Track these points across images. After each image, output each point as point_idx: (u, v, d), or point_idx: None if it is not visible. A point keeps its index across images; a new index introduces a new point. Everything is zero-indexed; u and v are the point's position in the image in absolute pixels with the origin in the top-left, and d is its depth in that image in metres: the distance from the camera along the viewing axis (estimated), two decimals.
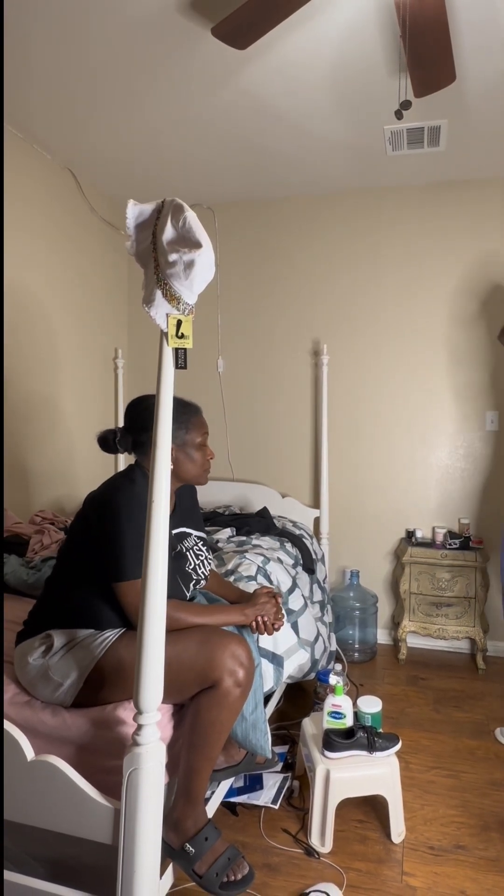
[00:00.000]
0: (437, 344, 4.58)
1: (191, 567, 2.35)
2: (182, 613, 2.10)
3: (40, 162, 4.08)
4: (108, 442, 2.34)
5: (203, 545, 2.50)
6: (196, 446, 2.33)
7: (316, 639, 3.34)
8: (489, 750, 3.21)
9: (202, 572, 2.40)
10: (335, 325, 4.81)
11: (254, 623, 2.34)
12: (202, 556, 2.44)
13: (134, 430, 2.28)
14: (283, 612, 2.50)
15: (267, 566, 3.20)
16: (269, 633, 2.39)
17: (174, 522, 2.37)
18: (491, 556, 4.37)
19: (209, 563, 2.48)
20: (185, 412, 2.31)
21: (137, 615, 1.98)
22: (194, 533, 2.48)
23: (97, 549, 2.06)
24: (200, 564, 2.40)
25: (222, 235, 5.02)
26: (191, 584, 2.33)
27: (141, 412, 2.27)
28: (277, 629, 2.40)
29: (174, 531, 2.35)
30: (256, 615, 2.33)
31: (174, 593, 2.19)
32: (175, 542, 2.33)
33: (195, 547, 2.43)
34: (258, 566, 3.14)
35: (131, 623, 2.07)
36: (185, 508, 2.49)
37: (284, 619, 2.46)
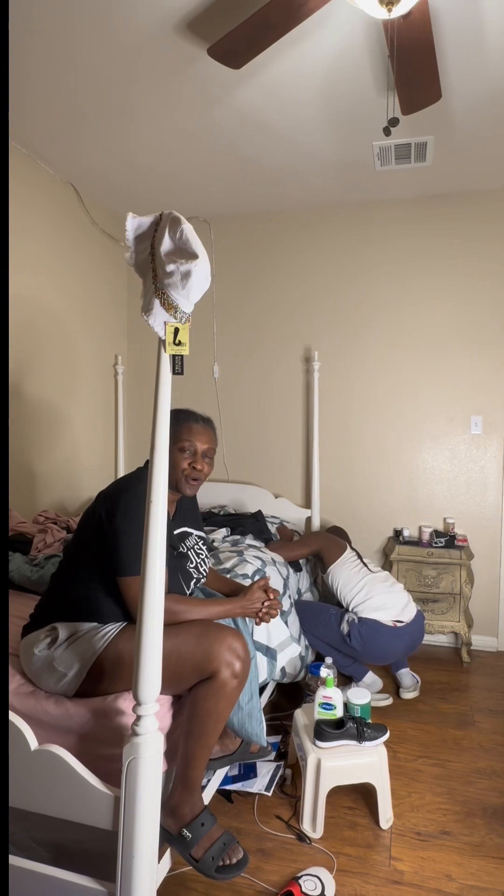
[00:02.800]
0: (423, 350, 4.59)
1: (192, 566, 2.35)
2: (181, 607, 2.11)
3: (44, 177, 4.09)
4: None
5: (203, 544, 2.51)
6: (178, 451, 2.28)
7: (300, 635, 3.37)
8: (473, 740, 3.22)
9: (203, 570, 2.41)
10: (326, 332, 4.82)
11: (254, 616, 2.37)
12: (202, 554, 2.45)
13: None
14: (281, 603, 2.50)
15: (265, 569, 3.21)
16: (266, 622, 2.40)
17: (177, 523, 2.38)
18: (475, 554, 4.40)
19: (208, 562, 2.49)
20: (175, 419, 2.22)
21: (135, 609, 2.00)
22: (195, 533, 2.49)
23: (104, 545, 2.07)
24: (201, 563, 2.41)
25: (218, 247, 5.03)
26: (191, 583, 2.34)
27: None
28: (267, 621, 2.41)
29: (177, 531, 2.36)
30: (252, 607, 2.34)
31: (175, 591, 2.20)
32: (177, 541, 2.34)
33: (196, 546, 2.44)
34: (257, 568, 3.15)
35: (133, 617, 2.07)
36: (187, 509, 2.49)
37: (278, 612, 2.45)
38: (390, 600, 3.44)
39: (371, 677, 3.59)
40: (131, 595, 2.01)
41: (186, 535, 2.42)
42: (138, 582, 1.89)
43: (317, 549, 3.76)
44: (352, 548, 3.84)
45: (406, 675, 3.70)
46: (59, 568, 2.23)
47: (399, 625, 3.38)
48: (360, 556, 3.71)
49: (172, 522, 2.31)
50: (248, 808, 2.66)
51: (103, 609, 2.09)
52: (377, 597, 3.43)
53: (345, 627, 3.39)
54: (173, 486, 2.31)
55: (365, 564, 3.66)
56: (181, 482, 2.32)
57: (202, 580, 2.43)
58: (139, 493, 2.08)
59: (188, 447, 2.30)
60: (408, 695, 3.64)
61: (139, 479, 2.16)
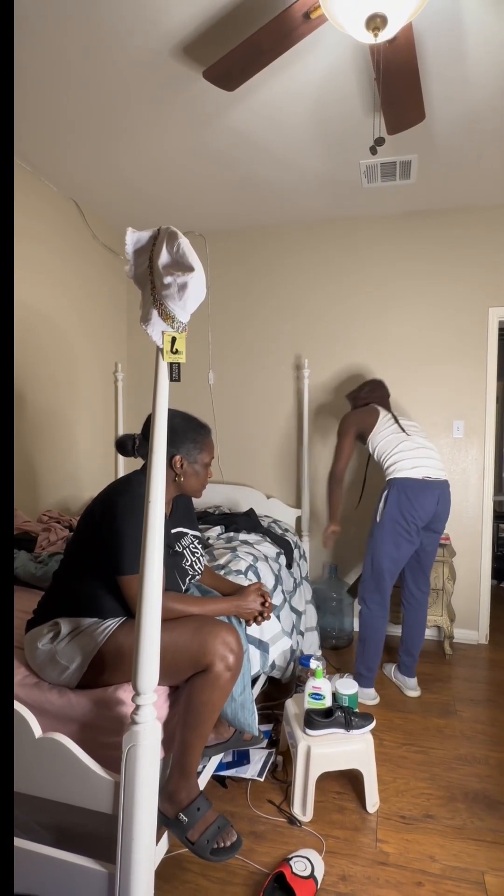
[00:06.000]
0: (408, 357, 4.61)
1: (187, 564, 2.35)
2: (178, 604, 2.11)
3: (47, 193, 4.09)
4: (126, 447, 2.37)
5: (198, 543, 2.52)
6: (203, 465, 2.34)
7: (292, 629, 3.37)
8: (455, 728, 3.23)
9: (198, 568, 2.41)
10: (316, 341, 4.83)
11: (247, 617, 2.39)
12: (197, 553, 2.45)
13: None
14: (272, 604, 2.51)
15: (257, 564, 3.21)
16: (258, 624, 2.42)
17: (173, 523, 2.38)
18: (457, 552, 4.41)
19: (203, 560, 2.49)
20: (202, 433, 2.32)
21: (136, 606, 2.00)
22: (190, 532, 2.49)
23: (103, 545, 2.07)
24: (196, 561, 2.41)
25: (213, 260, 5.04)
26: (187, 579, 2.34)
27: (168, 426, 2.26)
28: (259, 623, 2.43)
29: (173, 531, 2.36)
30: (246, 607, 2.35)
31: (171, 587, 2.20)
32: (173, 540, 2.34)
33: (191, 545, 2.44)
34: (249, 564, 3.15)
35: (132, 613, 2.08)
36: (182, 510, 2.50)
37: (272, 615, 2.47)
38: (421, 462, 3.47)
39: (372, 693, 3.58)
40: (131, 592, 2.01)
41: (182, 534, 2.42)
42: (137, 580, 1.92)
43: (355, 433, 3.73)
44: (387, 408, 3.83)
45: (411, 680, 3.71)
46: (60, 566, 2.23)
47: (428, 479, 3.43)
48: (395, 417, 3.68)
49: (169, 522, 2.31)
50: (242, 793, 2.66)
51: (104, 605, 2.09)
52: (409, 459, 3.47)
53: (381, 499, 3.49)
54: (193, 493, 2.38)
55: (399, 424, 3.63)
56: (199, 492, 2.40)
57: (197, 577, 2.43)
58: (136, 495, 2.09)
59: (211, 461, 2.38)
60: (412, 693, 3.65)
61: (136, 482, 2.17)
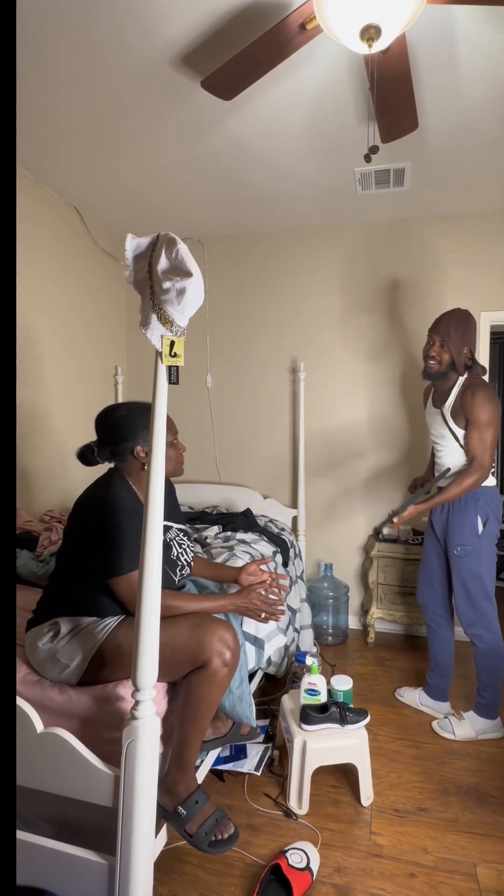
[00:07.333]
0: (400, 361, 4.62)
1: (174, 555, 2.35)
2: (176, 602, 2.11)
3: (49, 200, 4.09)
4: (88, 457, 2.32)
5: (184, 535, 2.51)
6: (169, 445, 2.33)
7: (288, 626, 3.37)
8: None
9: (185, 559, 2.41)
10: (311, 345, 4.84)
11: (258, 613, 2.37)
12: (184, 544, 2.45)
13: (111, 441, 2.24)
14: (280, 585, 2.51)
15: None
16: (277, 619, 2.40)
17: None
18: None
19: (191, 551, 2.49)
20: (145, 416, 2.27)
21: (133, 605, 2.00)
22: (175, 525, 2.49)
23: (89, 550, 2.06)
24: (183, 552, 2.41)
25: (210, 266, 5.04)
26: (177, 570, 2.34)
27: (116, 423, 2.24)
28: (266, 621, 2.40)
29: None
30: (245, 606, 2.33)
31: (164, 581, 2.20)
32: None
33: (177, 537, 2.44)
34: (246, 563, 3.15)
35: (127, 612, 2.09)
36: (167, 505, 2.49)
37: (285, 611, 2.44)
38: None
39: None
40: (123, 593, 2.02)
41: (167, 528, 2.41)
42: (128, 579, 1.96)
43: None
44: None
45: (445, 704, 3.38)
46: (55, 569, 2.21)
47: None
48: None
49: None
50: (239, 786, 2.67)
51: (102, 604, 2.09)
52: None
53: (476, 509, 3.05)
54: (173, 473, 2.38)
55: None
56: (178, 468, 2.40)
57: (187, 569, 2.42)
58: (111, 497, 2.09)
59: (175, 436, 2.40)
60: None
61: (110, 484, 2.16)
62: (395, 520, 3.10)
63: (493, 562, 3.07)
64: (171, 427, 2.39)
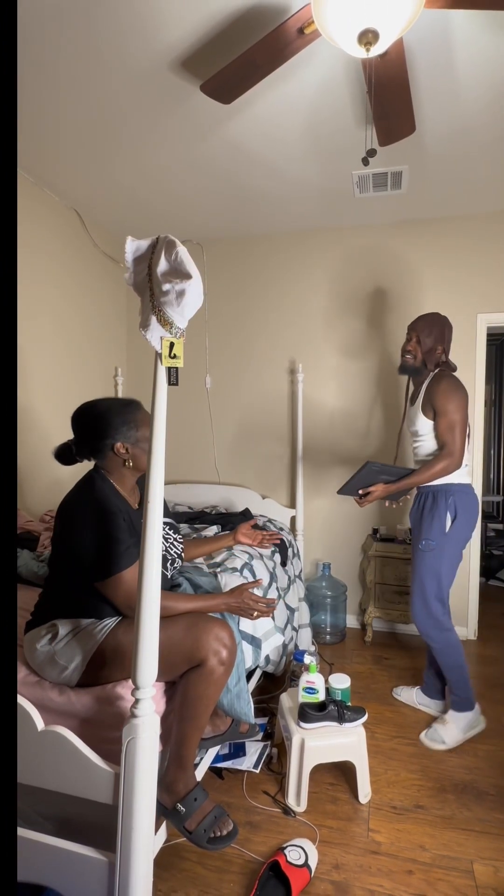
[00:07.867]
0: (398, 363, 4.60)
1: (162, 551, 2.35)
2: (172, 602, 2.11)
3: (50, 202, 4.10)
4: (67, 455, 2.28)
5: (170, 529, 2.50)
6: (146, 439, 2.20)
7: (286, 625, 3.38)
8: None
9: (174, 552, 2.40)
10: (309, 346, 4.84)
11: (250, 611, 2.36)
12: (170, 539, 2.45)
13: (92, 439, 2.20)
14: (275, 602, 2.50)
15: (252, 562, 3.21)
16: (259, 618, 2.39)
17: (141, 513, 2.35)
18: None
19: (179, 544, 2.49)
20: (130, 410, 2.22)
21: (124, 606, 2.01)
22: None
23: (76, 556, 2.05)
24: (171, 546, 2.41)
25: (210, 268, 5.05)
26: (168, 565, 2.34)
27: (95, 420, 2.20)
28: (257, 618, 2.40)
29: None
30: (238, 605, 2.31)
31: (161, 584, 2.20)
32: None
33: (163, 531, 2.44)
34: (245, 562, 3.16)
35: (119, 613, 2.08)
36: None
37: (272, 611, 2.44)
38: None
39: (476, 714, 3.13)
40: (113, 596, 2.01)
41: None
42: (114, 581, 1.97)
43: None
44: None
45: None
46: (49, 573, 2.19)
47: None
48: None
49: (137, 513, 2.26)
50: (238, 784, 2.67)
51: (99, 606, 2.08)
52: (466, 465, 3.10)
53: (447, 506, 3.02)
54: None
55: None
56: None
57: (178, 561, 2.42)
58: (93, 499, 2.08)
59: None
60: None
61: (91, 486, 2.14)
62: (360, 501, 3.19)
63: (455, 563, 3.07)
64: (148, 420, 2.28)
